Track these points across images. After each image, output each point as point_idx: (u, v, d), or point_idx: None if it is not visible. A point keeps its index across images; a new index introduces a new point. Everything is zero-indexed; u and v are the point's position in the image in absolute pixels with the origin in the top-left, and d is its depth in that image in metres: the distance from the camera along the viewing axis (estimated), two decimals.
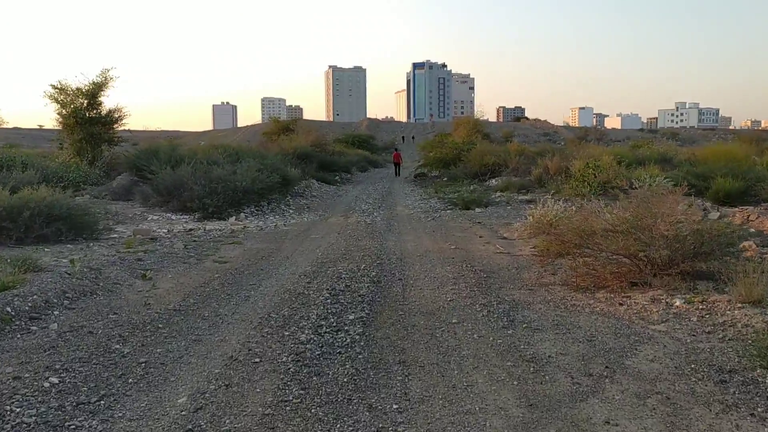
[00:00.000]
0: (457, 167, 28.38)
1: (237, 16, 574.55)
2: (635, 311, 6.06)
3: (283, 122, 48.47)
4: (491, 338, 5.44)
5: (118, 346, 5.33)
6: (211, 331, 5.76)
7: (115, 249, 10.21)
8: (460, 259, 9.37)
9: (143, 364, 4.89)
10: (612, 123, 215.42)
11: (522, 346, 5.21)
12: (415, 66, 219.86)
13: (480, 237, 11.71)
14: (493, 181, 25.34)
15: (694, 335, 5.33)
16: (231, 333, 5.71)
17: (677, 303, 6.08)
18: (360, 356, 5.01)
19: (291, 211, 17.50)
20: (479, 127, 45.63)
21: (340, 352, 5.11)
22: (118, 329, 5.80)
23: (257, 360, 4.97)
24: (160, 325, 5.96)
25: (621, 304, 6.20)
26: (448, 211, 16.73)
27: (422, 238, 11.92)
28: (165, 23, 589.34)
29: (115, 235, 12.58)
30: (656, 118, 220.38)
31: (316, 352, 5.11)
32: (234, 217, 15.76)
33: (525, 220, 12.14)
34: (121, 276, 7.98)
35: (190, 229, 13.79)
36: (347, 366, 4.79)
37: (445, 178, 28.34)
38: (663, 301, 6.22)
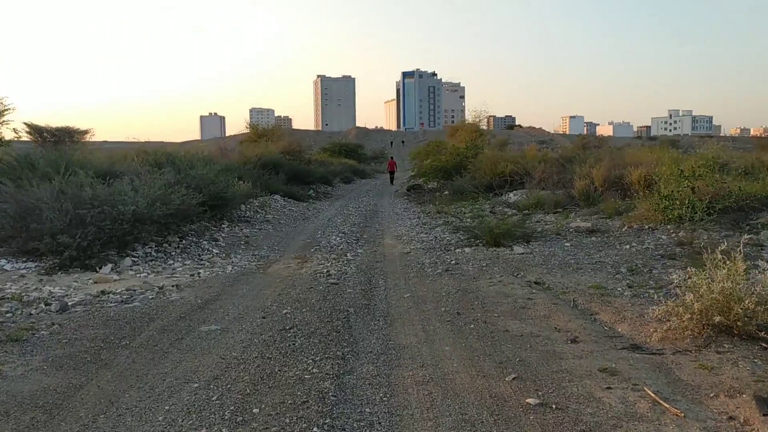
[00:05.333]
0: (463, 177, 22.17)
1: (225, 26, 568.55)
2: None
3: (262, 130, 42.02)
4: None
5: None
6: None
7: None
8: None
9: None
10: (603, 131, 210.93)
11: None
12: (405, 75, 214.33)
13: (573, 341, 5.10)
14: (512, 195, 19.16)
15: None
16: None
17: None
18: None
19: (216, 250, 11.04)
20: (481, 131, 39.33)
21: None
22: None
23: None
24: None
25: None
26: (467, 250, 10.31)
27: (439, 340, 5.26)
28: (155, 32, 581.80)
29: None
30: (648, 126, 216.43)
31: None
32: (112, 266, 9.38)
33: (664, 300, 5.62)
34: None
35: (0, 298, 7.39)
36: None
37: (447, 192, 22.16)
38: None
